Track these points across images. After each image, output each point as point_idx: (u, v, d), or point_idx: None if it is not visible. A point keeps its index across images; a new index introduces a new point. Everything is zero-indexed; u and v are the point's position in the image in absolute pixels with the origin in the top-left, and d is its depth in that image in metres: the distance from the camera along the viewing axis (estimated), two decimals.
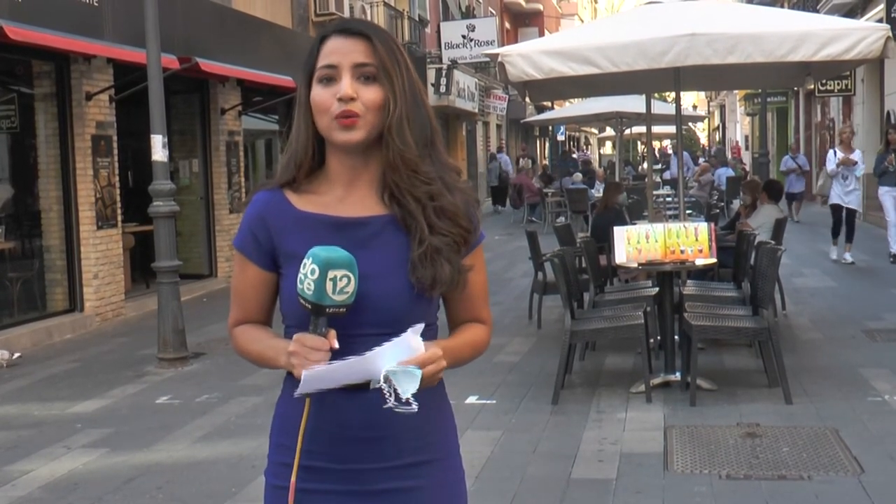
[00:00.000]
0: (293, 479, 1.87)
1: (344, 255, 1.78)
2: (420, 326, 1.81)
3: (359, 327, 1.85)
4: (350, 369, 1.78)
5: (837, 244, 13.46)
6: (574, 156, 37.87)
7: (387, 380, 1.75)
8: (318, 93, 1.90)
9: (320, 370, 1.78)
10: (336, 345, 1.79)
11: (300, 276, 1.79)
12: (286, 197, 1.96)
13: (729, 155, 37.52)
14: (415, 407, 1.73)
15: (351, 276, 1.78)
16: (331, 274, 1.76)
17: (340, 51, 1.90)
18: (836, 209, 13.34)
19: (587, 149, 57.46)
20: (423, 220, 1.89)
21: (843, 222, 13.25)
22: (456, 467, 2.04)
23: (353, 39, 1.90)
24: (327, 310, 1.78)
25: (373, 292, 1.85)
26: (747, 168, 31.34)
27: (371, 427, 1.88)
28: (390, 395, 1.75)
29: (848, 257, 13.19)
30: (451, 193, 1.93)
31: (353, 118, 1.87)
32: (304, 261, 1.78)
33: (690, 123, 36.35)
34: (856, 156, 13.41)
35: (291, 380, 1.95)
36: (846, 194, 13.28)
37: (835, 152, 13.52)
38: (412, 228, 1.90)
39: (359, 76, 1.88)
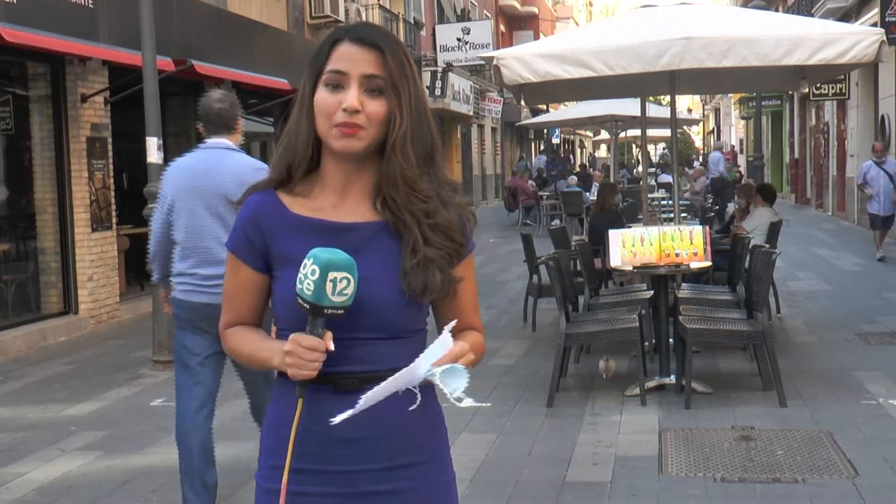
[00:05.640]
0: (284, 480, 1.87)
1: (345, 258, 1.79)
2: (453, 323, 1.86)
3: (353, 331, 1.86)
4: (400, 380, 1.82)
5: None
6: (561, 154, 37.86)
7: (430, 381, 1.84)
8: (324, 97, 1.88)
9: (378, 390, 1.81)
10: (332, 347, 1.81)
11: (300, 276, 1.79)
12: (279, 199, 1.96)
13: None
14: (466, 401, 1.87)
15: (351, 278, 1.79)
16: (331, 275, 1.77)
17: (351, 58, 1.88)
18: None
19: (580, 152, 57.50)
20: (418, 232, 1.90)
21: None
22: (447, 469, 2.05)
23: (366, 49, 1.88)
24: (325, 311, 1.79)
25: (365, 297, 1.85)
26: (742, 171, 31.40)
27: (360, 427, 1.87)
28: (419, 394, 1.88)
29: None
30: (447, 209, 1.94)
31: (354, 129, 1.86)
32: (305, 261, 1.79)
33: (685, 127, 36.44)
34: None
35: (282, 383, 1.95)
36: None
37: None
38: (406, 237, 1.91)
39: (366, 88, 1.87)
